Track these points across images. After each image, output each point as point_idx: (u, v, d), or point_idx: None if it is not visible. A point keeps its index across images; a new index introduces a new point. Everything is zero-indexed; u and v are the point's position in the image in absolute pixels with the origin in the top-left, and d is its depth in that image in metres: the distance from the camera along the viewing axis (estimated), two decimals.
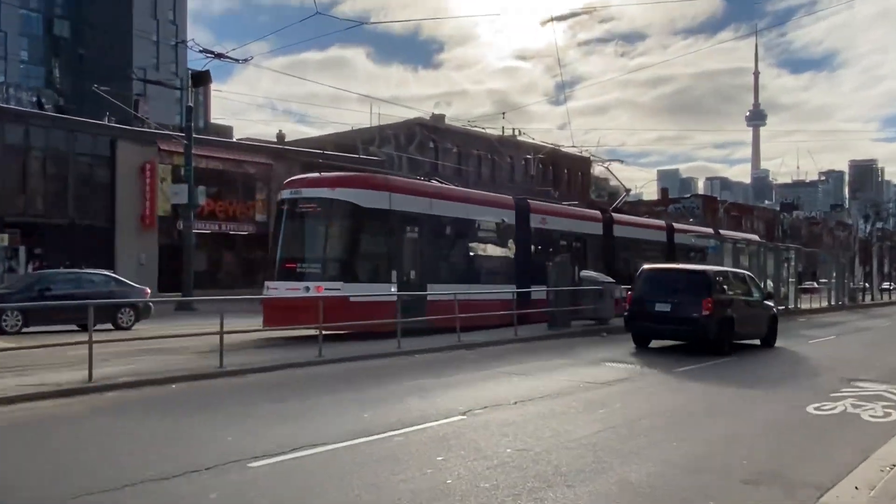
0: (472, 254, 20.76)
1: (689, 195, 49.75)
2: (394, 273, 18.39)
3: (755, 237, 40.41)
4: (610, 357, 14.89)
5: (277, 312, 16.36)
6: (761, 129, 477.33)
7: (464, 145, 58.02)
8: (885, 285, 67.54)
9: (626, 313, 16.94)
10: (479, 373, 12.42)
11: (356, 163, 47.85)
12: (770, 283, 33.06)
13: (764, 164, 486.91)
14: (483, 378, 11.86)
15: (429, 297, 18.11)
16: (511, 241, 22.24)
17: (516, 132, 56.16)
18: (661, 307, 16.27)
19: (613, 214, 28.69)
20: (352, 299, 16.44)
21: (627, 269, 28.16)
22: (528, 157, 53.64)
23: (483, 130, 50.36)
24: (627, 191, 38.52)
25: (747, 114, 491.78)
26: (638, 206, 76.91)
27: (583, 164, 72.63)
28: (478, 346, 16.11)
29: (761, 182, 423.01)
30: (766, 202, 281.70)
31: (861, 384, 11.99)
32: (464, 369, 12.80)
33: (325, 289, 16.48)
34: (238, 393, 10.23)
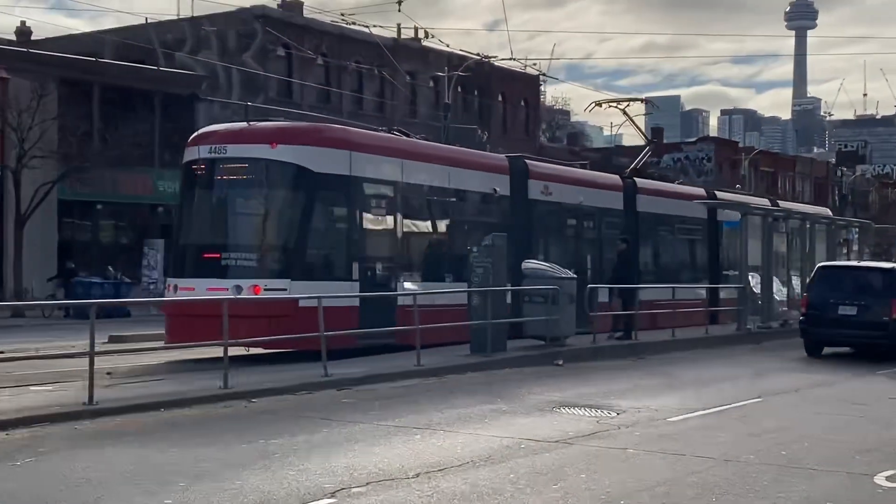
0: (454, 239, 22.69)
1: (694, 139, 50.75)
2: (355, 266, 19.73)
3: (819, 208, 41.90)
4: (568, 399, 15.27)
5: (192, 324, 17.31)
6: (809, 32, 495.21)
7: (335, 53, 57.79)
8: None
9: (801, 319, 23.78)
10: (360, 425, 12.55)
11: (158, 81, 47.03)
12: None
13: (812, 91, 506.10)
14: (366, 434, 11.97)
15: (400, 301, 20.04)
16: (505, 218, 24.30)
17: (421, 34, 56.45)
18: (844, 311, 22.63)
19: (637, 180, 30.65)
20: (302, 304, 17.68)
21: (657, 260, 30.87)
22: (441, 74, 53.94)
23: (367, 30, 50.24)
24: (651, 142, 40.00)
25: (787, 8, 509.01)
26: (617, 157, 78.63)
27: (528, 86, 73.66)
28: (355, 384, 16.23)
29: (808, 118, 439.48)
30: (816, 150, 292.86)
31: None
32: (337, 419, 12.88)
33: (266, 288, 18.06)
34: None
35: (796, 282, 32.80)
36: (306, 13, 57.16)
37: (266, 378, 16.09)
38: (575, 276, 22.55)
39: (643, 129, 42.16)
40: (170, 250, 23.04)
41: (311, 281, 18.61)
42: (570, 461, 10.62)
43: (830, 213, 44.97)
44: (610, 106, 37.10)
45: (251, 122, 20.43)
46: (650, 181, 33.22)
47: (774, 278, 31.18)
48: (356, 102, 58.97)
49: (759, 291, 30.34)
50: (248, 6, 54.57)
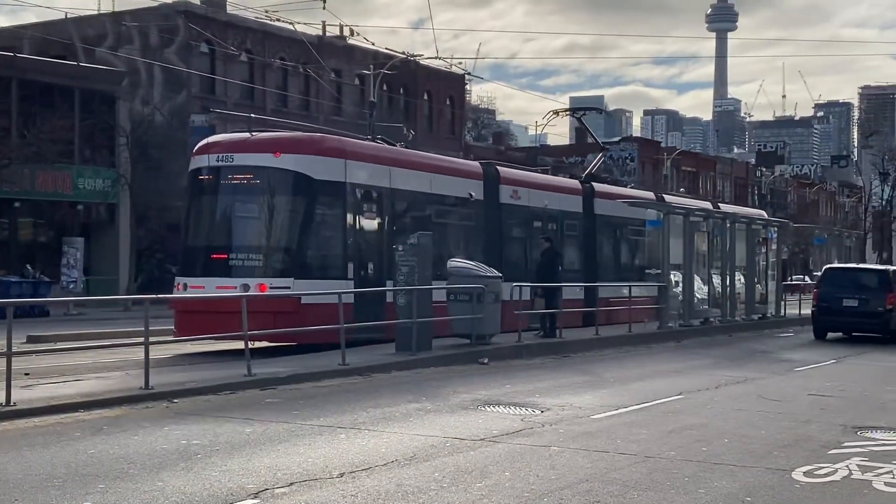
0: (436, 240, 23.50)
1: (618, 139, 51.28)
2: (350, 266, 21.41)
3: (756, 211, 42.79)
4: (493, 397, 15.35)
5: (199, 319, 19.22)
6: (730, 35, 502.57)
7: (259, 50, 57.35)
8: None
9: (813, 309, 30.91)
10: (283, 425, 12.46)
11: (78, 77, 46.29)
12: (740, 279, 35.11)
13: (732, 92, 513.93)
14: (289, 434, 11.91)
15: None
16: (479, 221, 26.42)
17: (347, 32, 56.22)
18: (847, 303, 29.80)
19: (594, 185, 32.55)
20: (304, 301, 19.59)
21: (613, 261, 32.81)
22: (367, 72, 53.83)
23: (291, 26, 49.96)
24: (604, 148, 41.58)
25: (709, 10, 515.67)
26: (542, 156, 79.10)
27: (453, 85, 73.81)
28: (279, 383, 16.14)
29: (729, 119, 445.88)
30: (737, 150, 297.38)
31: (873, 434, 13.01)
32: (260, 419, 12.80)
33: (271, 287, 19.55)
34: None
35: (717, 280, 33.31)
36: (230, 9, 56.58)
37: (189, 378, 15.93)
38: (500, 275, 22.66)
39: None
40: (180, 250, 25.01)
41: (311, 279, 20.34)
42: (494, 459, 10.66)
43: (766, 215, 46.12)
44: (566, 115, 42.03)
45: (253, 133, 22.27)
46: (606, 185, 34.89)
47: (696, 277, 31.62)
48: (281, 100, 58.61)
49: (680, 290, 30.72)
50: (170, 2, 53.94)
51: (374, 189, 22.77)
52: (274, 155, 21.15)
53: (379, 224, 22.88)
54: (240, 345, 18.46)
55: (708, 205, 40.20)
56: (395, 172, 23.47)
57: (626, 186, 38.26)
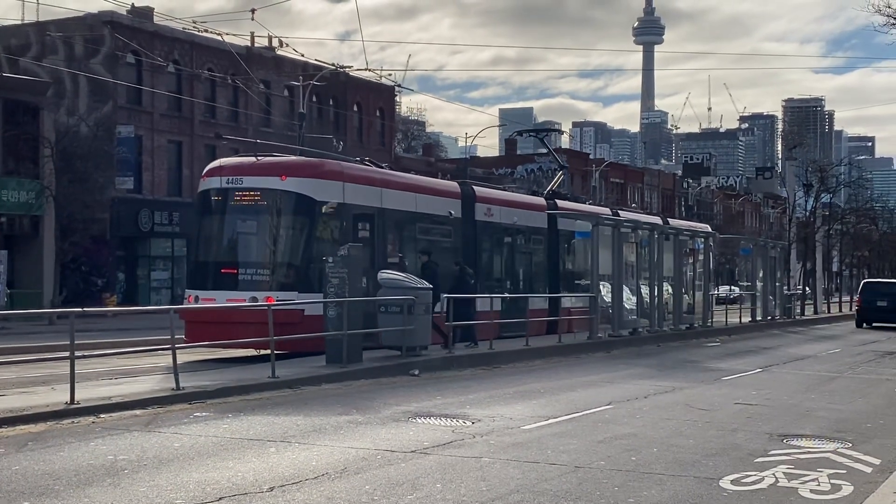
0: (419, 256, 25.56)
1: (545, 151, 51.59)
2: None
3: (701, 225, 43.65)
4: (424, 409, 15.36)
5: (208, 328, 20.63)
6: (656, 48, 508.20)
7: (187, 61, 56.86)
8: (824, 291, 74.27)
9: (856, 308, 49.34)
10: (212, 439, 12.36)
11: (1, 87, 45.49)
12: (668, 289, 35.53)
13: (658, 105, 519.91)
14: (219, 448, 11.81)
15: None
16: (458, 238, 28.17)
17: (275, 42, 56.02)
18: (880, 304, 47.42)
19: (557, 201, 34.25)
20: (307, 312, 21.22)
21: (574, 277, 34.05)
22: (296, 83, 53.64)
23: (219, 37, 49.63)
24: (563, 167, 43.51)
25: (635, 24, 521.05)
26: (472, 168, 79.30)
27: (383, 97, 73.83)
28: (208, 396, 16.02)
29: (656, 131, 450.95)
30: (664, 162, 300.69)
31: (798, 442, 13.27)
32: (189, 433, 12.67)
33: (277, 299, 21.06)
34: None
35: (645, 291, 33.64)
36: (157, 20, 56.11)
37: (116, 392, 15.72)
38: (430, 287, 22.75)
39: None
40: (188, 265, 28.43)
41: (313, 293, 21.64)
42: (425, 471, 10.67)
43: (709, 228, 47.08)
44: (530, 135, 47.28)
45: (259, 157, 23.63)
46: (568, 202, 36.15)
47: (625, 287, 31.95)
48: (209, 111, 58.16)
49: (609, 300, 31.01)
50: (95, 12, 53.28)
51: (368, 209, 24.33)
52: (280, 178, 22.89)
53: (372, 241, 24.22)
54: (222, 354, 21.95)
55: (658, 220, 41.52)
56: (385, 193, 25.16)
57: (584, 203, 38.76)
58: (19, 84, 47.22)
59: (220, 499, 9.25)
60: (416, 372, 20.54)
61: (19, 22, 56.02)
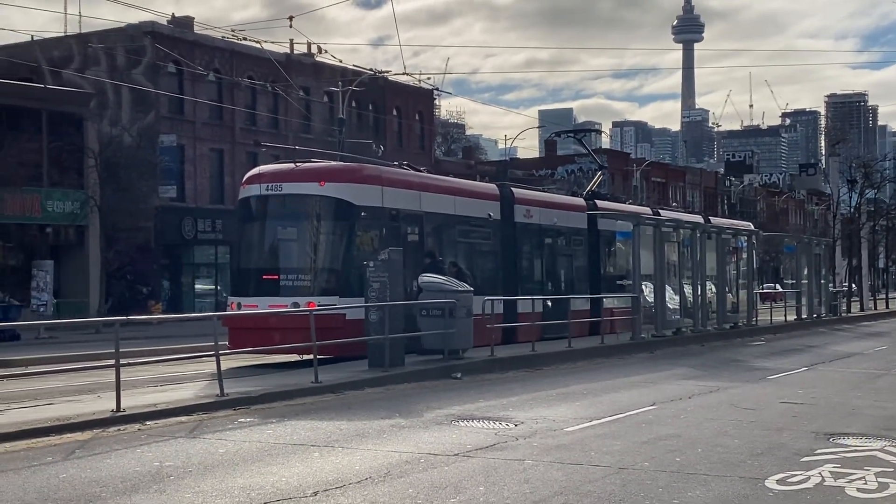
0: (459, 258, 25.98)
1: (585, 152, 51.25)
2: None
3: (743, 223, 43.33)
4: (467, 412, 15.34)
5: (251, 334, 21.12)
6: (696, 45, 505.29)
7: (227, 69, 57.25)
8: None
9: None
10: (256, 444, 12.42)
11: (44, 99, 46.01)
12: (711, 288, 35.28)
13: (698, 103, 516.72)
14: (263, 453, 11.86)
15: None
16: (497, 240, 28.23)
17: (314, 49, 56.18)
18: None
19: (597, 202, 34.14)
20: (349, 316, 21.34)
21: (615, 277, 33.85)
22: (335, 89, 53.82)
23: (258, 45, 49.88)
24: (603, 168, 43.34)
25: (674, 23, 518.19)
26: (512, 170, 79.23)
27: (422, 101, 73.95)
28: (252, 402, 16.09)
29: (697, 130, 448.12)
30: (709, 160, 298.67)
31: (844, 441, 13.10)
32: (233, 439, 12.74)
33: (318, 304, 20.87)
34: None
35: (688, 290, 33.43)
36: (197, 29, 56.54)
37: (161, 399, 15.84)
38: (472, 289, 22.75)
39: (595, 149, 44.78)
40: (230, 272, 28.62)
41: (353, 297, 21.53)
42: (468, 474, 10.65)
43: (752, 226, 46.61)
44: (569, 136, 46.27)
45: (297, 163, 23.73)
46: (608, 202, 35.98)
47: (667, 287, 31.77)
48: (250, 118, 58.51)
49: (651, 300, 30.84)
50: (136, 22, 53.77)
51: (406, 212, 24.48)
52: (319, 184, 22.90)
53: (411, 244, 24.25)
54: (265, 360, 22.64)
55: (700, 218, 41.17)
56: (424, 196, 25.31)
57: (624, 203, 38.67)
58: (63, 96, 47.79)
59: (265, 503, 9.30)
60: (459, 375, 20.53)
61: (62, 34, 56.64)
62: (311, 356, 18.85)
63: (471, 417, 14.80)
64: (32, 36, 56.47)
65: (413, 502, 9.37)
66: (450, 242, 26.51)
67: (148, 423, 14.22)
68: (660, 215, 35.70)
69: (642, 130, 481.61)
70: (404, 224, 24.41)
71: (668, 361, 25.38)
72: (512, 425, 14.08)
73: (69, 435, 13.20)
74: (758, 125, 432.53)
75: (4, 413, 14.49)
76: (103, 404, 15.00)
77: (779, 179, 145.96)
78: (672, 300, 32.38)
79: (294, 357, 22.09)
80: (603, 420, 14.66)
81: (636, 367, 23.98)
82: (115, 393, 14.68)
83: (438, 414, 15.15)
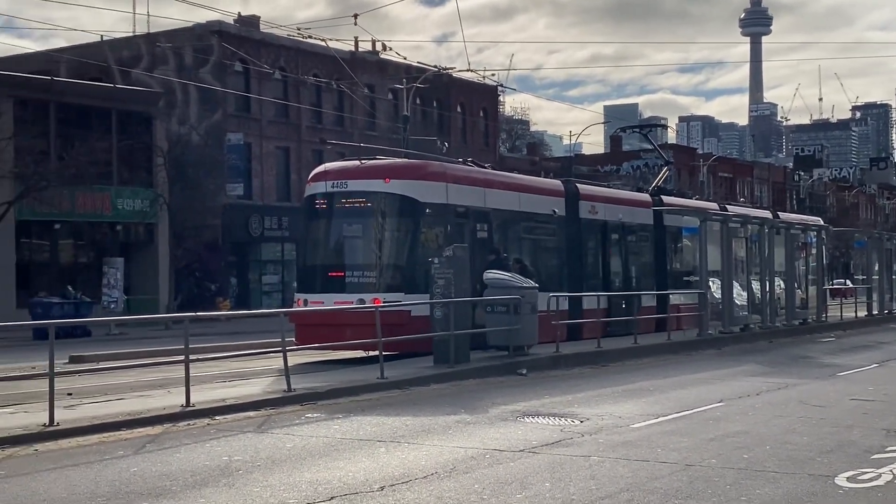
0: (523, 254, 25.82)
1: (650, 147, 50.84)
2: None
3: (813, 218, 42.75)
4: (532, 408, 15.33)
5: (318, 331, 21.12)
6: (763, 38, 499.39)
7: (293, 67, 57.71)
8: None
9: None
10: (323, 439, 12.53)
11: (114, 98, 46.74)
12: (780, 285, 34.87)
13: (765, 96, 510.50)
14: (330, 448, 11.96)
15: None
16: (562, 236, 28.13)
17: (379, 47, 56.45)
18: None
19: (663, 197, 33.97)
20: (414, 313, 21.36)
21: (682, 273, 33.73)
22: (399, 86, 54.02)
23: (323, 43, 50.22)
24: (669, 163, 43.43)
25: (742, 15, 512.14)
26: (577, 165, 78.96)
27: (486, 97, 73.91)
28: (318, 398, 16.22)
29: (765, 124, 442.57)
30: (778, 155, 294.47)
31: None
32: (300, 434, 12.86)
33: (384, 301, 21.13)
34: None
35: (756, 286, 33.06)
36: (263, 28, 57.05)
37: (229, 394, 16.04)
38: (536, 286, 22.72)
39: (659, 144, 44.60)
40: (297, 269, 28.67)
41: (419, 294, 21.66)
42: (534, 470, 10.65)
43: (822, 221, 46.00)
44: (634, 132, 46.07)
45: (362, 161, 24.00)
46: (674, 198, 35.76)
47: (735, 283, 31.46)
48: (315, 116, 58.91)
49: (719, 297, 30.56)
50: (203, 22, 54.39)
51: (471, 209, 24.52)
52: (384, 181, 23.11)
53: (476, 241, 24.27)
54: (331, 356, 22.65)
55: (768, 214, 40.76)
56: (488, 193, 25.29)
57: (691, 198, 38.45)
58: (132, 95, 48.49)
59: (332, 498, 9.37)
60: (524, 371, 20.52)
61: (130, 34, 57.48)
62: (376, 352, 18.97)
63: (536, 414, 14.79)
64: (102, 36, 57.41)
65: (479, 498, 9.39)
66: (514, 239, 26.47)
67: (217, 417, 14.42)
68: (727, 211, 35.35)
69: (709, 125, 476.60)
70: (469, 221, 24.45)
71: (735, 358, 25.13)
72: (577, 422, 14.05)
73: (140, 429, 13.42)
74: (827, 119, 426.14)
75: (77, 408, 14.78)
76: (173, 399, 15.24)
77: (849, 174, 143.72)
78: (739, 296, 32.03)
79: (359, 353, 22.22)
80: (669, 417, 14.57)
81: (703, 363, 23.79)
82: (184, 388, 14.91)
83: (504, 410, 15.16)
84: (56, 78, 47.00)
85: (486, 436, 12.83)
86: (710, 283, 30.03)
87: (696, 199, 40.04)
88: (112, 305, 41.79)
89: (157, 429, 13.54)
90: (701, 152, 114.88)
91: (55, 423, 13.06)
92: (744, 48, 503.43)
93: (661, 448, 11.95)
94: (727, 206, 39.11)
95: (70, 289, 40.04)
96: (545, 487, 9.81)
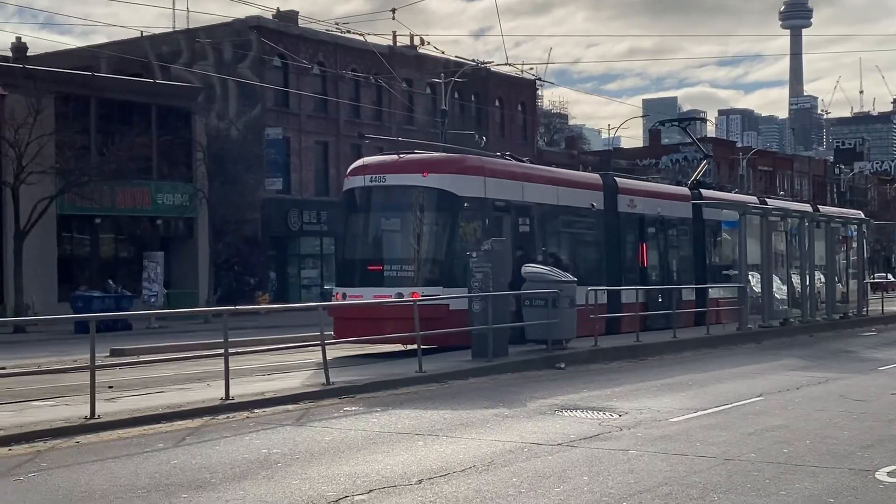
0: (561, 248, 26.26)
1: (689, 141, 50.33)
2: None
3: (854, 212, 42.38)
4: (570, 402, 15.31)
5: (356, 324, 21.26)
6: (804, 31, 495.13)
7: (331, 62, 57.87)
8: None
9: None
10: (361, 433, 12.57)
11: (154, 93, 47.07)
12: (820, 278, 34.57)
13: (805, 89, 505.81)
14: (368, 441, 12.00)
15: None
16: (601, 230, 28.09)
17: (417, 41, 56.49)
18: None
19: (702, 191, 33.80)
20: (452, 307, 21.42)
21: (721, 267, 33.47)
22: (438, 80, 54.01)
23: (362, 38, 50.31)
24: (708, 156, 42.93)
25: (782, 8, 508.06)
26: (616, 159, 78.66)
27: (524, 91, 73.76)
28: (357, 391, 16.27)
29: (806, 117, 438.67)
30: (818, 148, 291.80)
31: None
32: (338, 427, 12.92)
33: (422, 295, 21.02)
34: None
35: (796, 280, 32.81)
36: (301, 23, 57.21)
37: (268, 388, 16.12)
38: (574, 279, 22.68)
39: (701, 137, 44.14)
40: (335, 263, 29.34)
41: (457, 288, 21.64)
42: (572, 464, 10.64)
43: (863, 215, 45.53)
44: (673, 125, 45.19)
45: (401, 155, 24.06)
46: (713, 192, 35.52)
47: (774, 277, 31.25)
48: (354, 111, 59.03)
49: (758, 290, 30.37)
50: (242, 17, 54.64)
51: (509, 203, 24.45)
52: (422, 175, 23.06)
53: (514, 235, 24.27)
54: (369, 349, 22.73)
55: (808, 207, 40.41)
56: (526, 187, 25.21)
57: (730, 192, 38.17)
58: (172, 90, 48.86)
59: (370, 491, 9.40)
60: (562, 365, 20.48)
61: (170, 30, 57.87)
62: (414, 346, 19.01)
63: (574, 407, 14.76)
64: (142, 32, 57.74)
65: (517, 491, 9.39)
66: (553, 233, 26.40)
67: (256, 411, 14.50)
68: (767, 204, 35.10)
69: (748, 118, 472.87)
70: (507, 214, 24.39)
71: (775, 352, 24.96)
72: (616, 415, 14.01)
73: (180, 422, 13.52)
74: (868, 112, 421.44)
75: (118, 400, 14.91)
76: (212, 392, 15.34)
77: (890, 167, 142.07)
78: (779, 290, 31.81)
79: (397, 347, 22.27)
80: (709, 411, 14.49)
81: (743, 357, 23.64)
82: (223, 381, 15.01)
83: (542, 404, 15.14)
84: (97, 74, 47.44)
85: (524, 429, 12.83)
86: (750, 277, 29.86)
87: (736, 193, 39.70)
88: (152, 299, 42.13)
89: (197, 422, 13.64)
90: (740, 146, 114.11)
91: (96, 416, 13.18)
92: (783, 41, 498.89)
93: (700, 442, 11.90)
94: (767, 199, 38.88)
95: (111, 283, 40.40)
96: (583, 481, 9.80)
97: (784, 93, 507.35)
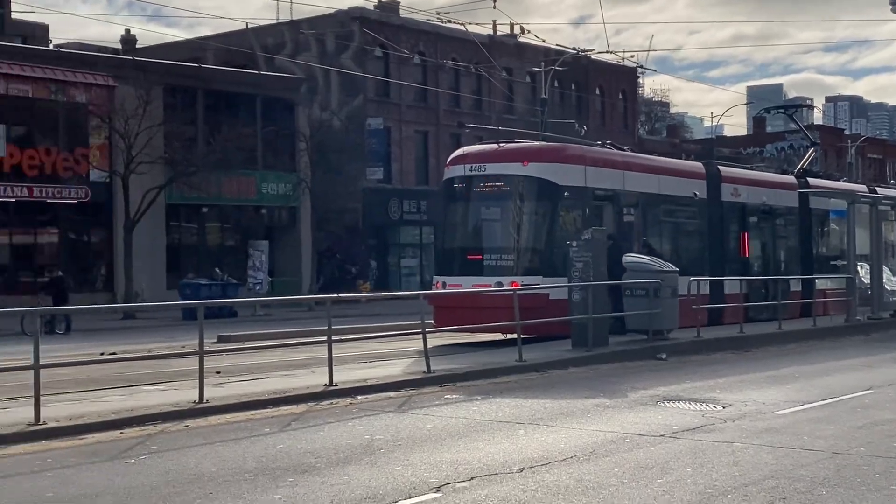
0: (663, 238, 26.07)
1: (796, 128, 49.42)
2: None
3: None
4: (672, 393, 15.16)
5: (456, 313, 21.12)
6: None
7: (432, 52, 58.03)
8: None
9: None
10: (462, 420, 12.62)
11: (259, 85, 47.73)
12: None
13: None
14: (469, 429, 12.04)
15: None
16: (703, 220, 27.81)
17: (517, 30, 56.35)
18: None
19: (809, 180, 33.13)
20: (552, 296, 21.16)
21: (828, 258, 32.94)
22: (538, 69, 53.80)
23: (462, 27, 50.32)
24: (815, 144, 42.08)
25: None
26: (718, 148, 77.48)
27: (625, 79, 73.07)
28: (457, 379, 16.33)
29: None
30: None
31: None
32: (440, 415, 12.99)
33: (522, 284, 21.10)
34: None
35: None
36: (402, 13, 57.49)
37: (370, 375, 16.28)
38: (676, 269, 22.43)
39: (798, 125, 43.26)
40: (435, 252, 29.32)
41: (556, 277, 21.45)
42: (675, 455, 10.54)
43: None
44: (778, 112, 44.95)
45: (501, 144, 23.99)
46: (821, 180, 34.85)
47: (885, 268, 30.50)
48: (454, 100, 59.14)
49: (868, 282, 29.69)
50: (345, 8, 55.10)
51: (610, 192, 24.40)
52: (522, 164, 22.94)
53: (615, 224, 24.18)
54: (468, 338, 22.63)
55: None
56: (627, 176, 25.03)
57: (838, 180, 37.40)
58: (276, 82, 49.52)
59: (472, 478, 9.43)
60: (664, 356, 20.29)
61: (274, 21, 58.60)
62: (513, 335, 19.00)
63: (676, 398, 14.62)
64: (247, 24, 58.63)
65: (619, 481, 9.34)
66: (654, 222, 26.15)
67: (359, 397, 14.66)
68: (876, 193, 34.28)
69: (857, 105, 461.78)
70: (607, 203, 24.26)
71: (885, 345, 24.37)
72: (719, 407, 13.83)
73: (285, 408, 13.73)
74: None
75: (225, 386, 15.21)
76: (316, 379, 15.55)
77: None
78: (890, 281, 31.04)
79: (497, 336, 22.30)
80: (815, 404, 14.23)
81: (851, 350, 23.14)
82: (327, 368, 15.21)
83: (643, 394, 15.03)
84: (203, 66, 48.28)
85: (625, 420, 12.75)
86: (859, 268, 29.20)
87: (844, 182, 38.83)
88: (257, 287, 42.79)
89: (302, 407, 13.84)
90: (849, 133, 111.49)
91: (205, 400, 13.46)
92: (893, 25, 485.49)
93: (807, 435, 11.68)
94: (877, 188, 37.96)
95: (217, 270, 41.16)
96: (686, 473, 9.70)
97: (894, 78, 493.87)
